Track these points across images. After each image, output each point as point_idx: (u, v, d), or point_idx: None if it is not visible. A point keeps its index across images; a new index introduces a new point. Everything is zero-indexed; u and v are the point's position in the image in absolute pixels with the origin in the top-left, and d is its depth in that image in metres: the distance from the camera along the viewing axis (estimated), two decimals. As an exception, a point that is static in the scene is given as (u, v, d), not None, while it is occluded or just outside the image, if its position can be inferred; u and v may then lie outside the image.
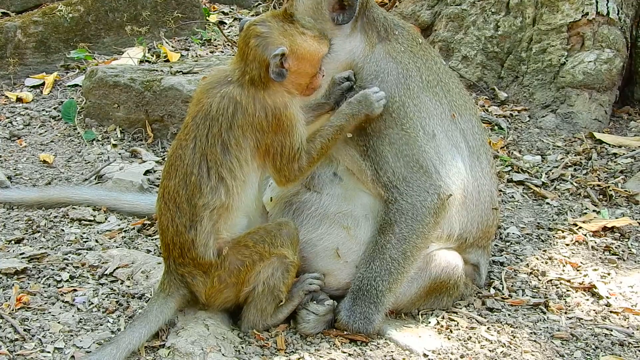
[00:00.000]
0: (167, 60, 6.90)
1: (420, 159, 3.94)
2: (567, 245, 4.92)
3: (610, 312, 4.25)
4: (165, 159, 3.78)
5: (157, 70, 6.20)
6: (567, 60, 6.55)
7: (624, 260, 4.76)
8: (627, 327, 4.11)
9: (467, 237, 4.17)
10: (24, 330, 3.72)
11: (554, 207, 5.41)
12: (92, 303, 3.98)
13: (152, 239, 4.63)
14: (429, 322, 4.06)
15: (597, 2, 6.51)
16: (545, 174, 5.81)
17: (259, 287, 3.75)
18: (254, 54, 3.61)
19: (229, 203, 3.63)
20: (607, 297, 4.37)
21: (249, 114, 3.60)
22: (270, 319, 3.86)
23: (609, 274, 4.59)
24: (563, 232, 5.06)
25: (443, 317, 4.10)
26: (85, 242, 4.58)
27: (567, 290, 4.44)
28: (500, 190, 5.55)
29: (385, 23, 4.12)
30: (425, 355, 3.77)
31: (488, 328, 4.02)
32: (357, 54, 4.05)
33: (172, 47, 7.29)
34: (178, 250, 3.66)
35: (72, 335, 3.72)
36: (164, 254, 3.76)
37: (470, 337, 3.93)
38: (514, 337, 3.96)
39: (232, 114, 3.60)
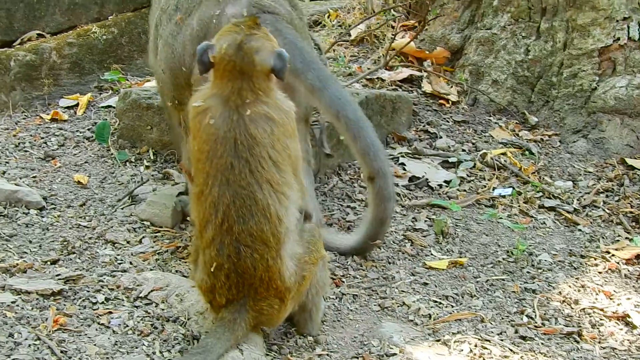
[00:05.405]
0: (199, 82, 6.96)
1: None
2: (600, 273, 4.89)
3: (645, 342, 4.23)
4: (210, 204, 3.58)
5: (189, 93, 6.25)
6: (598, 85, 6.54)
7: (657, 289, 4.74)
8: (662, 358, 4.09)
9: None
10: (61, 352, 3.74)
11: (586, 233, 5.38)
12: (127, 325, 4.01)
13: (185, 262, 4.67)
14: (462, 350, 4.05)
15: (628, 28, 6.50)
16: (577, 200, 5.78)
17: (312, 290, 3.89)
18: (260, 69, 3.63)
19: (295, 217, 3.72)
20: (641, 327, 4.34)
21: (280, 124, 3.65)
22: (317, 316, 4.05)
23: (642, 303, 4.56)
24: (595, 259, 5.04)
25: (476, 345, 4.09)
26: (119, 264, 4.62)
27: (601, 319, 4.42)
28: (532, 217, 5.53)
29: None
30: (458, 383, 3.77)
31: (521, 357, 4.01)
32: None
33: (204, 68, 7.34)
34: (264, 286, 3.62)
35: (108, 358, 3.74)
36: (233, 296, 3.65)
37: (504, 366, 3.92)
38: (548, 367, 3.94)
39: (271, 130, 3.61)
